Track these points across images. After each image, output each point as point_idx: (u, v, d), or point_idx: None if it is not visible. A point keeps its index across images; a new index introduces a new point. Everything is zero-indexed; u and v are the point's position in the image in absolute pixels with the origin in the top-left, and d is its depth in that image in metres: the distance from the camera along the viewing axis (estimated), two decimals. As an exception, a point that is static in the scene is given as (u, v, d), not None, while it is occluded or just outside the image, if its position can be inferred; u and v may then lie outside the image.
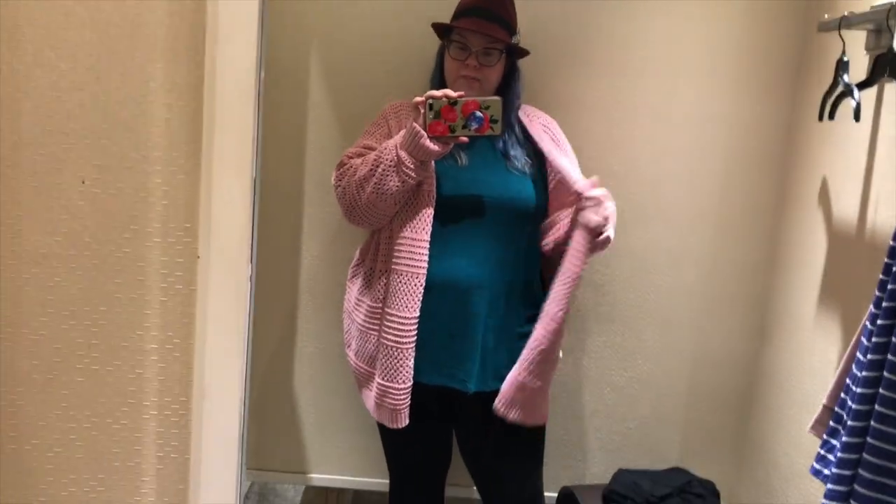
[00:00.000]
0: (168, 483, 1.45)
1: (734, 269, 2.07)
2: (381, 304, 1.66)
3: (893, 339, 1.20)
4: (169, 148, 1.36)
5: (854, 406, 1.25)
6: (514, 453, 1.76)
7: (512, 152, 1.72)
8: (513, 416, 1.64)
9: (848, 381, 1.34)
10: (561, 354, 1.72)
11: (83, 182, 1.37)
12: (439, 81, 1.73)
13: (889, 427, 1.20)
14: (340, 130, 2.01)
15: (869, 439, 1.22)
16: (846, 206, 1.69)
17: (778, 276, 2.01)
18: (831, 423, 1.38)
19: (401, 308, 1.60)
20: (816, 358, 1.76)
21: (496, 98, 1.54)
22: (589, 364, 2.10)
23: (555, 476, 2.13)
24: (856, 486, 1.24)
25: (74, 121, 1.35)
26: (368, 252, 1.75)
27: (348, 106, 2.00)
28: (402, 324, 1.60)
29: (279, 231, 2.06)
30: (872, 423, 1.22)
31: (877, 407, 1.21)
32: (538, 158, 1.76)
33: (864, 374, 1.24)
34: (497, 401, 1.64)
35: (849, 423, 1.27)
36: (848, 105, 1.56)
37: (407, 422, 1.64)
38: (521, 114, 1.79)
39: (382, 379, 1.63)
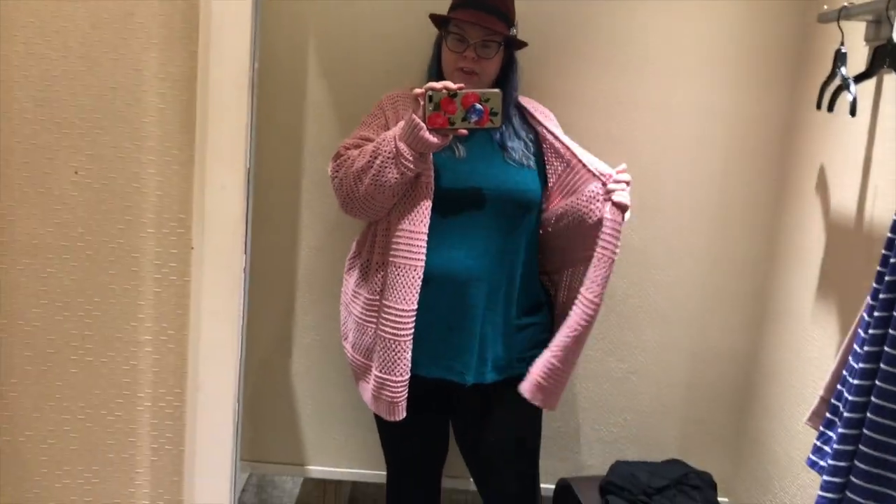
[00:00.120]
0: (162, 475, 1.45)
1: (733, 263, 2.06)
2: (378, 297, 1.66)
3: (890, 331, 1.19)
4: (162, 138, 1.35)
5: (851, 398, 1.25)
6: (511, 445, 1.76)
7: (509, 144, 1.71)
8: (538, 400, 1.64)
9: (845, 372, 1.34)
10: None
11: (76, 172, 1.36)
12: (437, 72, 1.72)
13: (885, 419, 1.19)
14: (338, 122, 2.00)
15: (865, 431, 1.22)
16: (844, 199, 1.68)
17: (776, 270, 2.01)
18: (828, 414, 1.38)
19: (398, 300, 1.59)
20: (814, 350, 1.75)
21: (496, 91, 1.53)
22: (587, 356, 2.09)
23: (552, 468, 2.13)
24: (852, 478, 1.24)
25: (66, 111, 1.34)
26: (365, 244, 1.74)
27: (345, 98, 1.99)
28: (400, 316, 1.59)
29: (277, 222, 2.05)
30: (869, 414, 1.21)
31: (873, 399, 1.21)
32: (538, 149, 1.75)
33: (860, 365, 1.24)
34: (526, 383, 1.64)
35: (845, 414, 1.26)
36: (846, 97, 1.55)
37: (404, 414, 1.64)
38: (525, 103, 1.79)
39: (380, 371, 1.63)
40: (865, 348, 1.23)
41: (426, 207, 1.60)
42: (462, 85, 1.52)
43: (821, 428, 1.40)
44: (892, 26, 1.48)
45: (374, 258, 1.69)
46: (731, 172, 2.02)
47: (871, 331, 1.23)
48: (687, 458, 2.09)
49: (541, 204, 1.76)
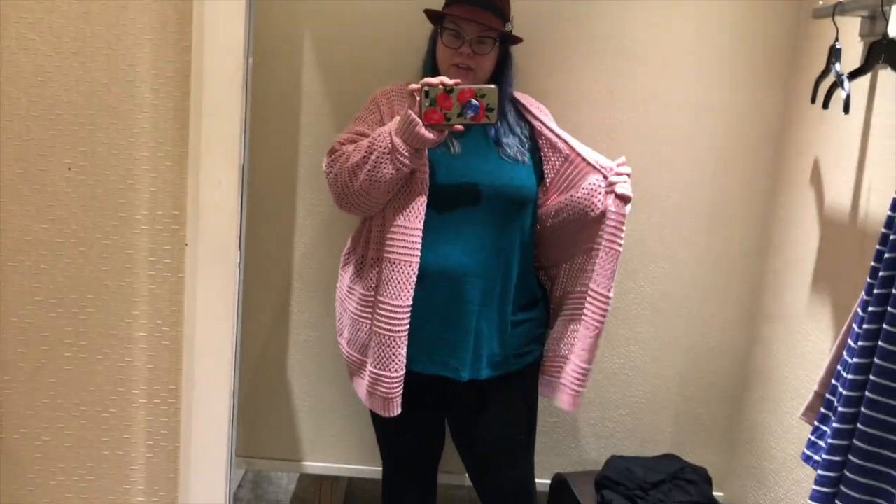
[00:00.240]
0: (157, 472, 1.45)
1: (727, 257, 2.07)
2: (373, 293, 1.65)
3: (884, 326, 1.20)
4: (156, 134, 1.34)
5: (845, 393, 1.26)
6: (507, 441, 1.76)
7: (504, 140, 1.71)
8: (577, 406, 1.71)
9: (839, 368, 1.34)
10: None
11: (69, 168, 1.36)
12: (432, 68, 1.72)
13: (879, 413, 1.20)
14: (332, 117, 2.00)
15: (859, 426, 1.22)
16: (839, 195, 1.68)
17: (771, 265, 2.01)
18: (822, 409, 1.39)
19: (393, 296, 1.59)
20: (808, 345, 1.76)
21: (492, 86, 1.53)
22: (582, 352, 2.09)
23: (548, 463, 2.13)
24: (846, 472, 1.24)
25: (59, 106, 1.33)
26: (360, 240, 1.74)
27: (340, 93, 1.99)
28: (395, 312, 1.59)
29: (272, 218, 2.05)
30: (863, 409, 1.22)
31: (867, 393, 1.21)
32: (533, 144, 1.75)
33: (854, 360, 1.24)
34: (565, 397, 1.70)
35: (839, 409, 1.27)
36: (840, 93, 1.55)
37: (399, 410, 1.64)
38: (520, 98, 1.79)
39: (375, 367, 1.62)
40: (860, 343, 1.24)
41: (421, 203, 1.60)
42: (458, 81, 1.52)
43: (815, 423, 1.40)
44: (886, 22, 1.48)
45: (369, 254, 1.69)
46: (726, 167, 2.02)
47: (865, 326, 1.23)
48: (682, 453, 2.09)
49: (536, 200, 1.75)
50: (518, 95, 1.80)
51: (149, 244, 1.38)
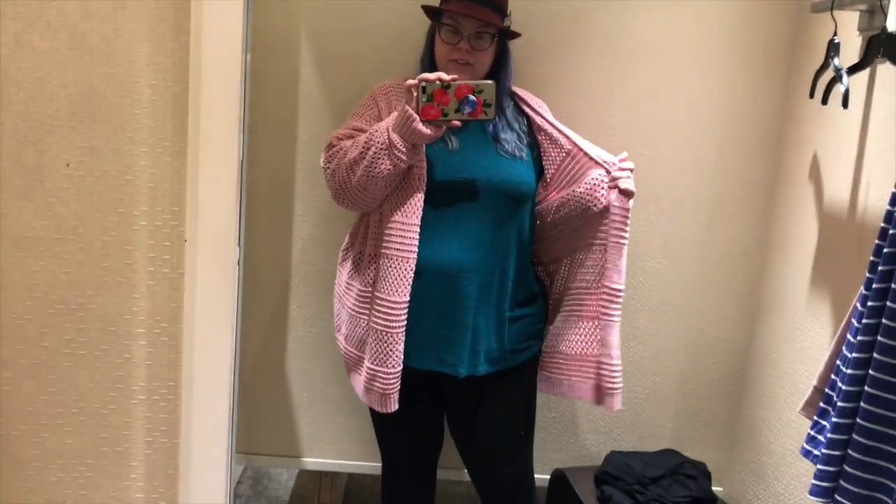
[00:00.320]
0: (157, 467, 1.45)
1: (726, 253, 2.07)
2: (371, 289, 1.65)
3: (883, 320, 1.20)
4: (154, 130, 1.34)
5: (844, 387, 1.26)
6: (505, 437, 1.76)
7: (503, 136, 1.70)
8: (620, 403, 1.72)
9: (838, 362, 1.34)
10: None
11: (67, 165, 1.36)
12: (429, 63, 1.71)
13: (878, 408, 1.20)
14: (330, 112, 1.99)
15: (858, 420, 1.22)
16: (838, 189, 1.68)
17: (770, 260, 2.01)
18: (821, 404, 1.39)
19: (390, 292, 1.59)
20: (807, 340, 1.76)
21: (490, 82, 1.52)
22: (581, 347, 2.09)
23: (547, 458, 2.14)
24: (845, 467, 1.24)
25: (57, 102, 1.33)
26: (358, 235, 1.74)
27: (338, 88, 1.98)
28: (392, 308, 1.59)
29: (270, 214, 2.05)
30: (862, 403, 1.22)
31: (866, 388, 1.21)
32: (532, 139, 1.75)
33: (854, 355, 1.24)
34: (611, 400, 1.70)
35: (838, 404, 1.27)
36: (839, 89, 1.55)
37: (396, 406, 1.64)
38: (519, 93, 1.79)
39: (372, 363, 1.62)
40: (859, 338, 1.24)
41: (419, 199, 1.60)
42: (455, 76, 1.51)
43: (814, 417, 1.40)
44: (885, 16, 1.48)
45: (366, 250, 1.69)
46: (725, 162, 2.02)
47: (864, 320, 1.23)
48: (681, 448, 2.10)
49: (535, 196, 1.75)
50: (517, 90, 1.80)
51: (148, 240, 1.38)
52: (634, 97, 1.99)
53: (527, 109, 1.78)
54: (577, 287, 1.77)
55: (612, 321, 1.69)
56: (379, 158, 1.54)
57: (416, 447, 1.85)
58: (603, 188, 1.67)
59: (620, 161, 1.69)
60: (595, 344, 1.73)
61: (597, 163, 1.69)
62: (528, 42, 1.83)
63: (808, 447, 1.40)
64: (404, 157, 1.54)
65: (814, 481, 1.29)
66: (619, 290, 1.68)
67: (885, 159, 1.50)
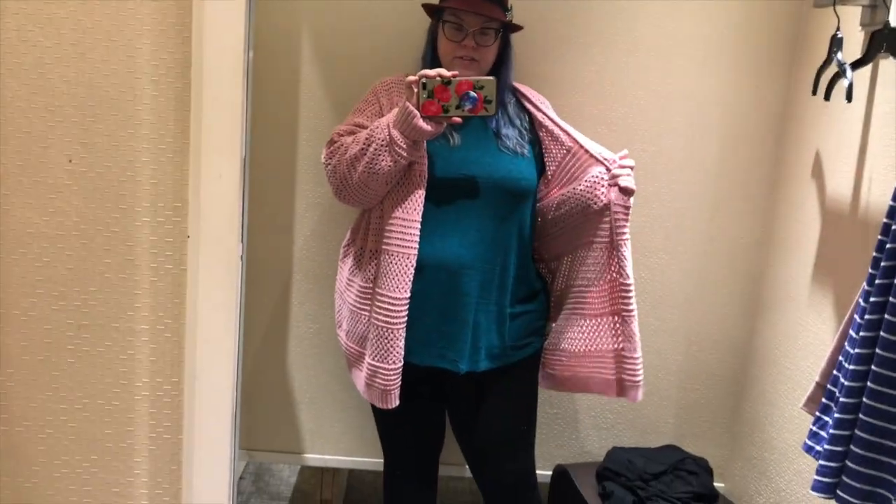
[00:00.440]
0: (161, 464, 1.45)
1: (728, 248, 2.07)
2: (371, 285, 1.65)
3: (886, 316, 1.20)
4: (157, 126, 1.34)
5: (846, 383, 1.26)
6: (507, 433, 1.76)
7: (504, 132, 1.70)
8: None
9: (841, 358, 1.34)
10: None
11: (70, 160, 1.36)
12: (431, 60, 1.71)
13: (881, 403, 1.20)
14: (332, 109, 1.99)
15: (861, 416, 1.22)
16: (840, 185, 1.68)
17: (772, 256, 2.01)
18: (824, 400, 1.39)
19: (391, 289, 1.59)
20: (810, 336, 1.76)
21: (490, 78, 1.52)
22: (582, 343, 2.09)
23: (549, 454, 2.14)
24: (847, 462, 1.24)
25: (59, 98, 1.33)
26: (359, 232, 1.74)
27: (340, 85, 1.98)
28: (393, 304, 1.59)
29: (272, 210, 2.05)
30: (864, 399, 1.22)
31: (869, 384, 1.21)
32: (533, 136, 1.75)
33: (856, 350, 1.24)
34: (634, 392, 1.71)
35: (841, 399, 1.27)
36: (842, 84, 1.54)
37: (397, 402, 1.64)
38: (521, 89, 1.78)
39: (373, 359, 1.63)
40: (861, 333, 1.24)
41: (419, 196, 1.60)
42: (456, 73, 1.51)
43: (817, 413, 1.40)
44: (888, 10, 1.48)
45: (367, 246, 1.69)
46: (727, 158, 2.02)
47: (867, 316, 1.23)
48: (683, 444, 2.10)
49: (536, 192, 1.75)
50: (519, 86, 1.80)
51: (150, 236, 1.38)
52: (636, 93, 1.98)
53: (529, 106, 1.78)
54: (579, 285, 1.77)
55: (628, 315, 1.69)
56: (380, 155, 1.54)
57: (418, 443, 1.85)
58: (603, 186, 1.67)
59: (621, 158, 1.69)
60: (601, 340, 1.73)
61: (597, 160, 1.69)
62: (530, 38, 1.83)
63: (810, 443, 1.40)
64: (405, 154, 1.54)
65: (816, 477, 1.29)
66: (630, 285, 1.69)
67: (887, 155, 1.50)
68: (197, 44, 1.30)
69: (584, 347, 1.75)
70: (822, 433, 1.36)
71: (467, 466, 1.87)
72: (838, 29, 1.57)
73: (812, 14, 1.85)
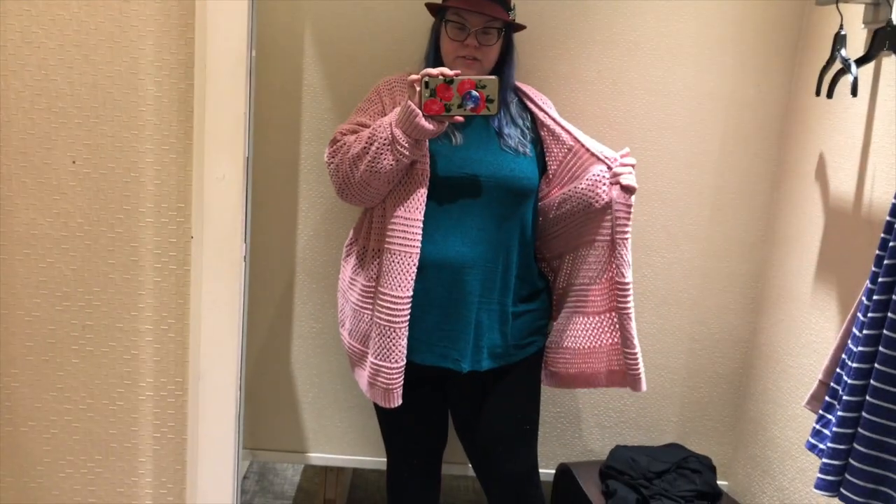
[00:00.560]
0: (165, 463, 1.46)
1: (731, 247, 2.07)
2: (374, 284, 1.65)
3: (889, 314, 1.20)
4: (160, 127, 1.35)
5: (849, 381, 1.26)
6: (510, 432, 1.76)
7: (506, 131, 1.70)
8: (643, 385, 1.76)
9: (844, 356, 1.34)
10: None
11: (73, 162, 1.36)
12: (434, 59, 1.71)
13: (884, 402, 1.20)
14: (334, 108, 1.99)
15: (864, 414, 1.22)
16: (843, 183, 1.68)
17: (775, 254, 2.01)
18: (827, 398, 1.39)
19: (394, 287, 1.59)
20: (812, 334, 1.76)
21: (493, 77, 1.52)
22: (585, 342, 2.09)
23: (552, 453, 2.14)
24: (851, 460, 1.25)
25: (63, 99, 1.33)
26: (362, 231, 1.74)
27: (342, 85, 1.98)
28: (395, 303, 1.59)
29: (275, 210, 2.05)
30: (868, 397, 1.22)
31: (872, 382, 1.21)
32: (535, 135, 1.75)
33: (859, 348, 1.24)
34: (638, 384, 1.74)
35: (844, 397, 1.27)
36: (845, 81, 1.54)
37: (400, 401, 1.64)
38: (523, 88, 1.78)
39: (375, 358, 1.63)
40: (864, 332, 1.24)
41: (422, 195, 1.60)
42: (458, 71, 1.51)
43: (820, 411, 1.40)
44: (891, 8, 1.48)
45: (370, 245, 1.69)
46: (730, 156, 2.02)
47: (870, 314, 1.23)
48: (686, 442, 2.10)
49: (538, 191, 1.75)
50: (521, 85, 1.80)
51: (154, 237, 1.39)
52: (638, 91, 1.98)
53: (531, 105, 1.78)
54: (580, 283, 1.77)
55: (627, 314, 1.71)
56: (382, 153, 1.54)
57: (421, 442, 1.85)
58: (604, 184, 1.67)
59: (622, 157, 1.69)
60: (604, 336, 1.74)
61: (599, 159, 1.69)
62: (532, 36, 1.83)
63: (813, 441, 1.40)
64: (407, 153, 1.54)
65: (819, 475, 1.29)
66: (629, 284, 1.70)
67: (889, 153, 1.50)
68: (200, 45, 1.30)
69: (586, 345, 1.75)
70: (826, 431, 1.36)
71: (470, 465, 1.87)
72: (841, 27, 1.57)
73: (814, 12, 1.84)
